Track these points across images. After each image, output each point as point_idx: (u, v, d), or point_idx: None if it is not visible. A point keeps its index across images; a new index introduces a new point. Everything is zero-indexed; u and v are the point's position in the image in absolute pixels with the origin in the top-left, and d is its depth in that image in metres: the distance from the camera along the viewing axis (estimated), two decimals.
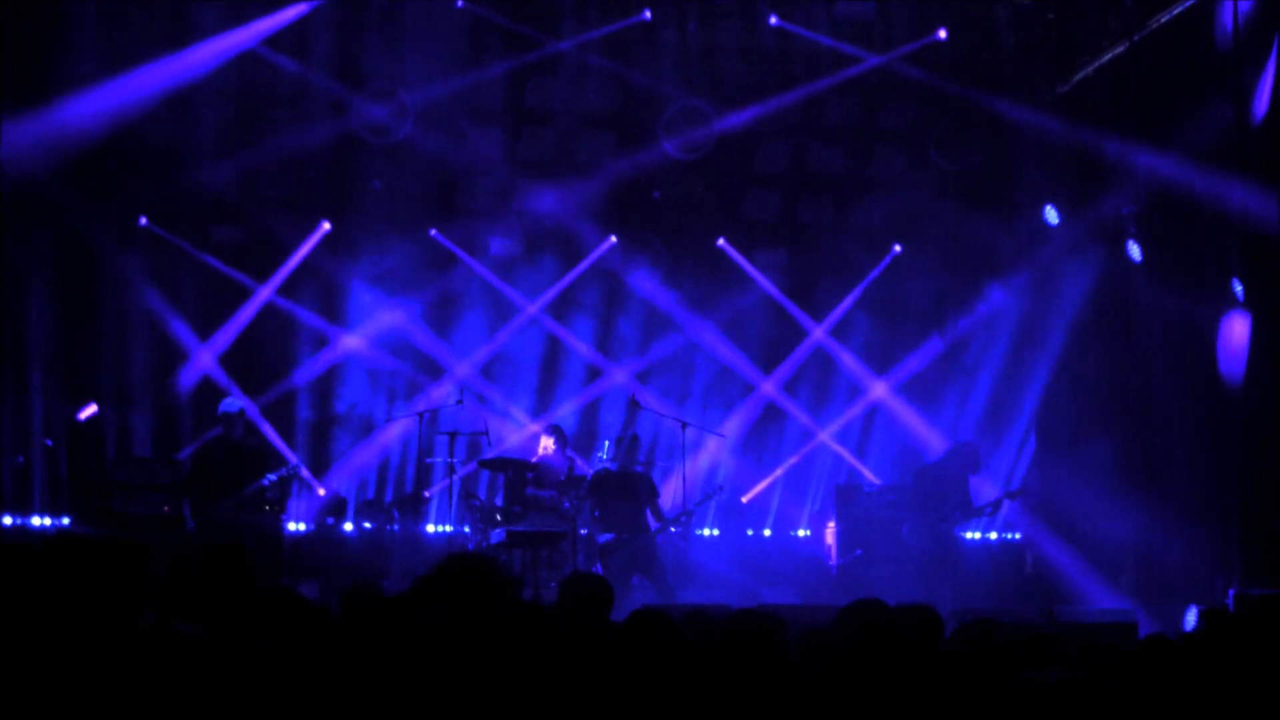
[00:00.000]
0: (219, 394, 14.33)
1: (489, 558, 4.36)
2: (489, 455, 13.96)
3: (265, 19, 14.63)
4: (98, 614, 4.50)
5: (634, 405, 14.48)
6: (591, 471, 12.95)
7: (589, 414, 16.21)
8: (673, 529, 12.87)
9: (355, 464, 15.66)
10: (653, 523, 12.51)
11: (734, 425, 16.30)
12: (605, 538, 12.34)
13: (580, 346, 16.26)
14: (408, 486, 15.01)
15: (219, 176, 15.22)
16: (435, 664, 4.21)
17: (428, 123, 15.29)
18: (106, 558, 4.63)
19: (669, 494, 13.49)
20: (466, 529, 13.58)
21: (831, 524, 14.62)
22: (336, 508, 15.25)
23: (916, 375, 16.51)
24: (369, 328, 15.76)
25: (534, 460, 13.16)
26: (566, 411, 15.94)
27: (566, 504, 12.68)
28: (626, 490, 12.49)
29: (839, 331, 16.67)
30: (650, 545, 12.41)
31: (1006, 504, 13.68)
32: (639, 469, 12.88)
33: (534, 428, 15.38)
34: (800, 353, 16.64)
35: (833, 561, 14.48)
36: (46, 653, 4.23)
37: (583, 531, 12.58)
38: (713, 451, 15.87)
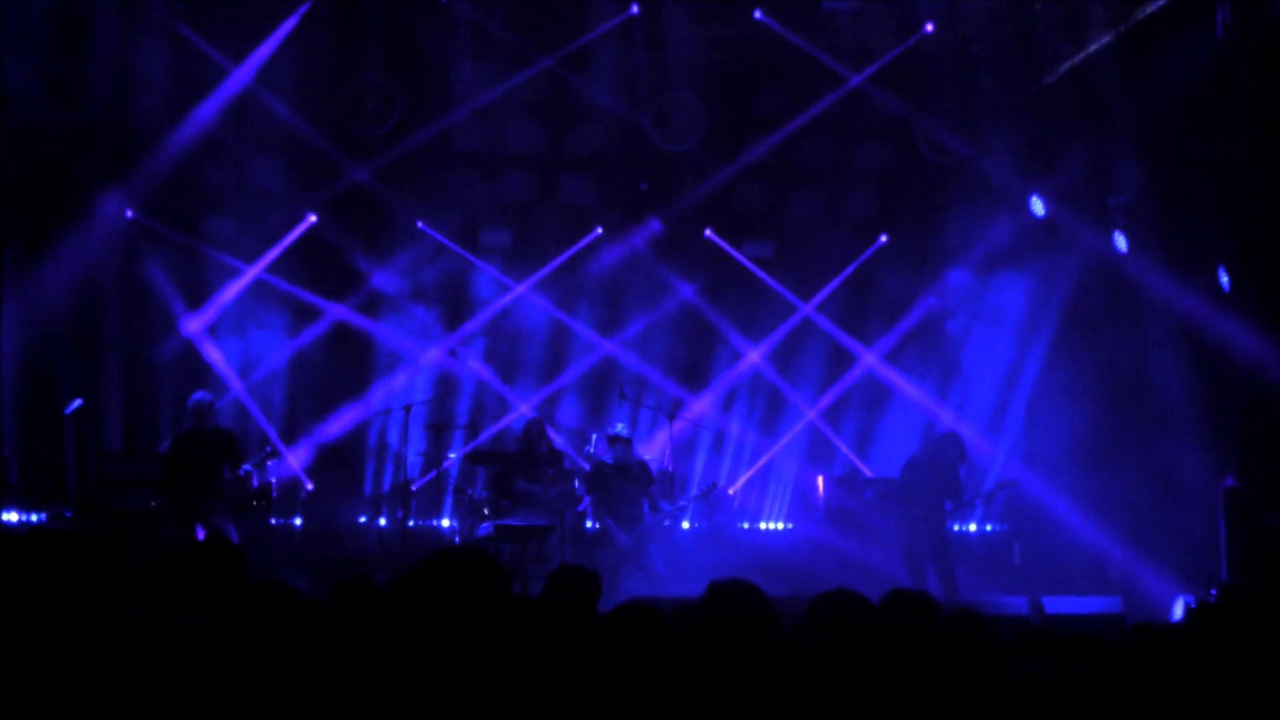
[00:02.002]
0: (201, 382, 14.39)
1: (480, 550, 4.33)
2: (477, 448, 13.97)
3: (266, 43, 14.75)
4: (81, 606, 4.50)
5: (622, 396, 14.51)
6: (576, 457, 13.02)
7: (576, 401, 16.23)
8: (666, 522, 12.97)
9: (342, 456, 15.66)
10: (648, 514, 12.58)
11: (722, 415, 16.32)
12: (598, 528, 12.41)
13: (567, 335, 16.27)
14: (396, 479, 14.99)
15: (208, 168, 15.24)
16: (428, 657, 4.21)
17: (416, 116, 15.29)
18: (87, 551, 4.63)
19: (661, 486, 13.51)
20: (454, 522, 13.58)
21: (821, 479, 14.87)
22: (325, 500, 15.22)
23: (902, 368, 16.52)
24: (359, 318, 15.77)
25: (514, 450, 13.25)
26: (553, 399, 15.97)
27: (553, 493, 12.72)
28: (624, 482, 12.57)
29: (827, 322, 16.68)
30: (645, 536, 12.50)
31: (998, 495, 13.71)
32: (635, 459, 12.91)
33: (524, 409, 15.47)
34: (787, 343, 16.65)
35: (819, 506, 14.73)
36: (33, 645, 4.22)
37: (591, 525, 12.64)
38: (701, 442, 15.90)
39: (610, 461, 12.73)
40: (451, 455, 14.20)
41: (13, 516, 13.69)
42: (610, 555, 12.33)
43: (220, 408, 13.19)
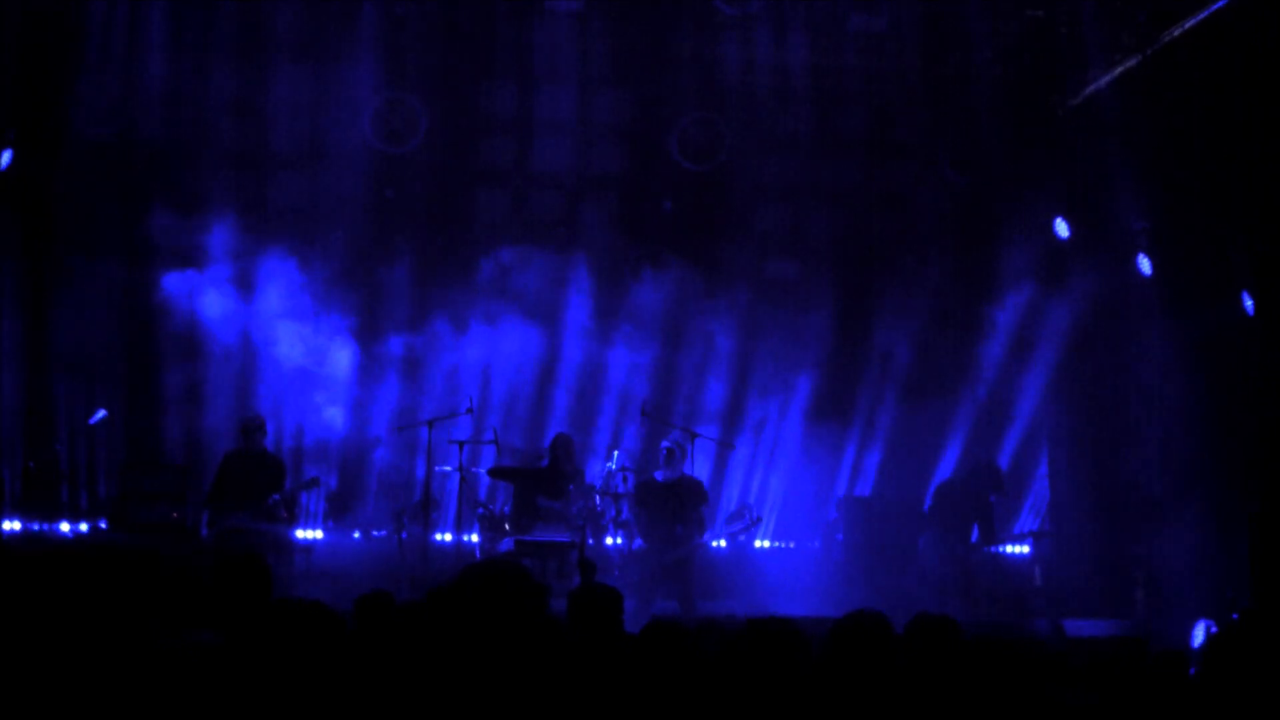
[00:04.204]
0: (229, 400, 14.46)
1: (518, 566, 4.33)
2: (498, 464, 13.96)
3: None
4: (112, 620, 4.52)
5: (645, 415, 14.49)
6: (600, 479, 12.99)
7: (599, 422, 16.22)
8: (714, 544, 12.88)
9: (365, 471, 15.69)
10: (689, 534, 12.47)
11: (745, 435, 16.30)
12: (639, 545, 12.36)
13: (591, 355, 16.28)
14: (416, 494, 15.01)
15: (230, 182, 15.32)
16: (450, 674, 4.22)
17: (440, 133, 15.36)
18: (121, 565, 4.64)
19: None
20: (475, 538, 13.60)
21: None
22: (345, 515, 15.25)
23: (926, 390, 16.49)
24: (382, 336, 15.82)
25: (540, 468, 13.23)
26: (576, 419, 15.97)
27: (574, 509, 12.69)
28: (667, 502, 12.42)
29: (848, 343, 16.66)
30: (686, 559, 12.35)
31: (1028, 540, 13.71)
32: (682, 477, 12.82)
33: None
34: (810, 363, 16.63)
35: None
36: (59, 658, 4.25)
37: (637, 544, 12.57)
38: (724, 462, 15.90)
39: (660, 480, 12.56)
40: (473, 470, 14.21)
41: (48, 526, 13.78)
42: (648, 571, 12.25)
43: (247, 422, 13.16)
